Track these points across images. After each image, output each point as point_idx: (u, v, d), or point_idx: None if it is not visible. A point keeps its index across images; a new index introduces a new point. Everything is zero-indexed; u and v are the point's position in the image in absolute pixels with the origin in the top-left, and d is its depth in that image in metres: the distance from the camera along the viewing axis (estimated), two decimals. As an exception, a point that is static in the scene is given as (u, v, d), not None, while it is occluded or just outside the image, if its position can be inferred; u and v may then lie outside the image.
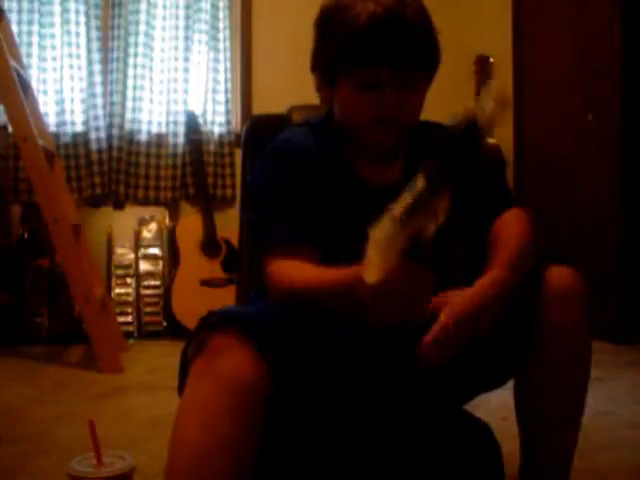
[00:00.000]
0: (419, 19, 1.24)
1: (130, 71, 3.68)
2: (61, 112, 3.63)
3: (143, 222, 3.71)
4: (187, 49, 3.76)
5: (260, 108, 3.79)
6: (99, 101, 3.67)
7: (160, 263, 3.67)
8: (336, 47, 1.25)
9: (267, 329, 1.10)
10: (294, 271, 1.20)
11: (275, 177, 1.29)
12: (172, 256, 3.70)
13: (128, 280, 3.62)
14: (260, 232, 1.30)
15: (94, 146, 3.65)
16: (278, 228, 1.25)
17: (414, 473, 1.31)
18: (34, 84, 3.48)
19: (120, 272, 3.63)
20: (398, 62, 1.22)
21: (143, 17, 3.68)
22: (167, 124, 3.74)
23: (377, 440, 1.28)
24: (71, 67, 3.63)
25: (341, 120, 1.32)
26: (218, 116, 3.80)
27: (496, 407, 1.77)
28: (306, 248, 1.23)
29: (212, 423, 1.04)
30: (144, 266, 3.65)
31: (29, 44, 3.60)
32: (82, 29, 3.64)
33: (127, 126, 3.69)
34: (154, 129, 3.74)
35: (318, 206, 1.27)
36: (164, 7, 3.74)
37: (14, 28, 3.45)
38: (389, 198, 1.23)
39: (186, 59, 3.76)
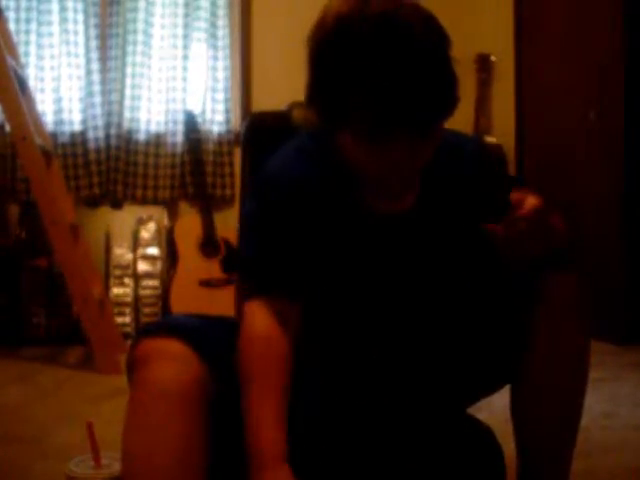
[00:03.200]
0: (435, 59, 1.02)
1: (128, 70, 3.66)
2: (59, 111, 3.61)
3: (141, 222, 3.69)
4: (186, 48, 3.74)
5: (259, 107, 3.76)
6: (97, 100, 3.65)
7: (158, 263, 3.66)
8: (334, 98, 1.05)
9: (193, 332, 1.09)
10: (266, 347, 1.11)
11: (261, 211, 1.19)
12: (171, 256, 3.68)
13: (126, 280, 3.60)
14: (246, 267, 1.22)
15: (92, 145, 3.63)
16: (262, 270, 1.17)
17: (416, 475, 1.30)
18: (32, 83, 3.46)
19: (118, 272, 3.61)
20: (412, 121, 1.02)
21: (142, 15, 3.67)
22: (166, 123, 3.72)
23: (377, 442, 1.27)
24: (69, 66, 3.61)
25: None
26: (217, 115, 3.79)
27: (498, 409, 1.76)
28: (285, 298, 1.15)
29: (154, 428, 1.03)
30: (142, 266, 3.63)
31: (27, 43, 3.57)
32: (80, 27, 3.62)
33: (125, 125, 3.68)
34: (153, 128, 3.72)
35: (317, 241, 1.18)
36: (163, 5, 3.72)
37: (12, 26, 3.43)
38: (400, 227, 1.20)
39: (185, 58, 3.74)
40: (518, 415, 1.29)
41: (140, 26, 3.66)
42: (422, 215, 1.21)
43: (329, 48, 1.04)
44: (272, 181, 1.19)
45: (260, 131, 1.58)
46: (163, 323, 1.15)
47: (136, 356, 1.08)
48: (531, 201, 1.05)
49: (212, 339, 1.12)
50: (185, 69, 3.75)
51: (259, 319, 1.13)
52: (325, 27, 1.05)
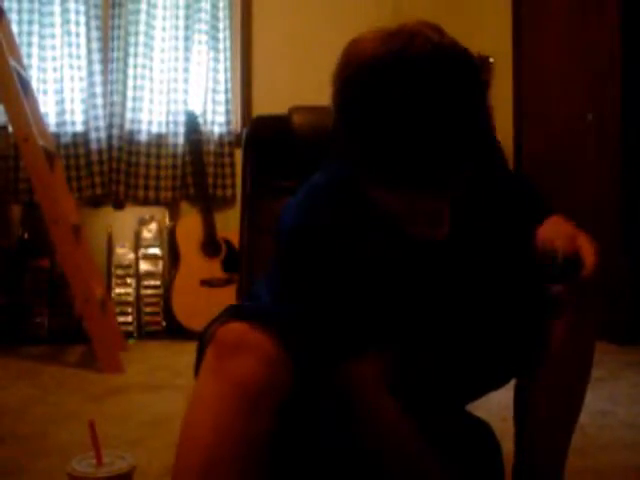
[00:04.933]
0: (472, 117, 0.98)
1: (130, 71, 3.68)
2: (61, 112, 3.63)
3: (143, 222, 3.71)
4: (187, 49, 3.76)
5: (260, 107, 3.79)
6: (99, 101, 3.67)
7: (160, 263, 3.67)
8: (361, 141, 0.99)
9: (285, 324, 1.06)
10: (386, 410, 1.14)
11: (324, 274, 1.14)
12: (172, 256, 3.70)
13: (128, 280, 3.62)
14: (329, 338, 1.12)
15: (94, 146, 3.65)
16: (347, 335, 1.12)
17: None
18: (34, 84, 3.48)
19: (120, 272, 3.62)
20: (441, 176, 0.99)
21: (143, 17, 3.69)
22: (167, 124, 3.74)
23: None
24: (71, 67, 3.64)
25: None
26: (218, 116, 3.80)
27: (496, 407, 1.77)
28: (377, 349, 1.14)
29: (223, 424, 1.02)
30: (144, 266, 3.65)
31: (29, 44, 3.60)
32: (82, 29, 3.64)
33: (127, 126, 3.70)
34: (154, 129, 3.74)
35: (374, 278, 1.16)
36: (164, 7, 3.74)
37: (14, 28, 3.45)
38: (436, 254, 1.19)
39: (186, 59, 3.76)
40: (520, 408, 1.31)
41: (142, 28, 3.68)
42: (457, 241, 1.19)
43: (361, 90, 0.98)
44: (307, 236, 1.15)
45: (261, 135, 1.59)
46: (257, 309, 1.10)
47: (221, 339, 1.04)
48: (591, 258, 1.11)
49: (297, 328, 1.07)
50: (186, 70, 3.77)
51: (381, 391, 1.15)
52: (357, 68, 0.99)
